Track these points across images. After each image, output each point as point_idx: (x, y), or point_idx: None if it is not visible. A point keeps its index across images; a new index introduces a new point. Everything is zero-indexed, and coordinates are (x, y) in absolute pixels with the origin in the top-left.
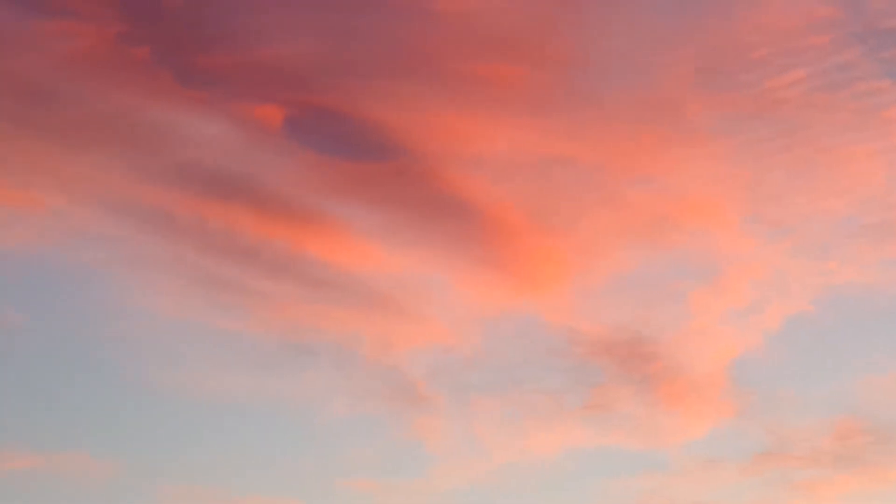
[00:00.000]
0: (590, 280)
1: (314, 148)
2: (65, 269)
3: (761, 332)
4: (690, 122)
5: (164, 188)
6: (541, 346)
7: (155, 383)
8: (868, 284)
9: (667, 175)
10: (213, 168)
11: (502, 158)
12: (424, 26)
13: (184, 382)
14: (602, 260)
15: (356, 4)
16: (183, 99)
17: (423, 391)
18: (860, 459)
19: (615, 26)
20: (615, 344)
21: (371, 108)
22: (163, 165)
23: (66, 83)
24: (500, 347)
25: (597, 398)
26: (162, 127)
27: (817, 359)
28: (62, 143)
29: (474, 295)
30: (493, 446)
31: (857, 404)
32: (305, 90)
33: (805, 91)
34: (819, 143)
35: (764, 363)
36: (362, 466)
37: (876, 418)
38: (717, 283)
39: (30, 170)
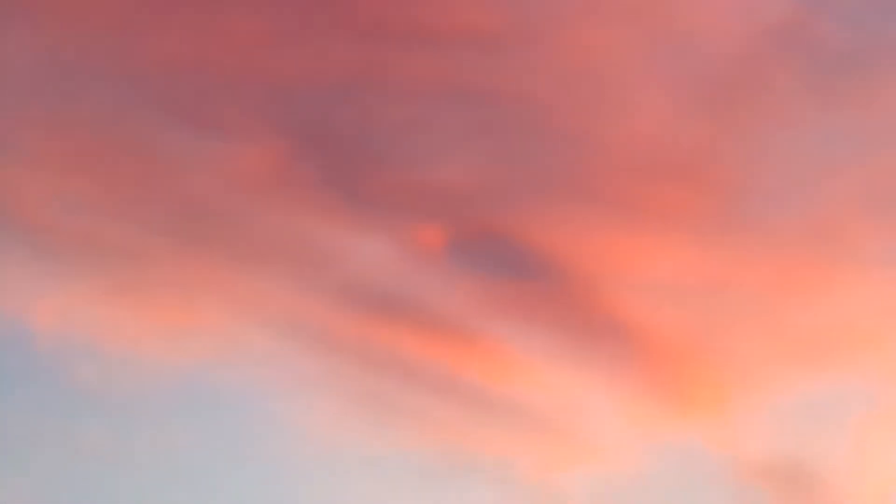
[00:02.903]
0: (751, 406)
1: (476, 268)
2: (229, 387)
3: None
4: (857, 249)
5: (328, 307)
6: (701, 472)
7: (312, 501)
8: None
9: (831, 302)
10: (376, 288)
11: (663, 282)
12: (589, 150)
13: (342, 501)
14: (764, 385)
15: (521, 128)
16: (348, 220)
17: None
18: None
19: (780, 150)
20: (777, 471)
21: (533, 229)
22: (327, 285)
23: (233, 203)
24: (660, 472)
25: None
26: (327, 247)
27: None
28: (229, 261)
29: (633, 418)
30: None
31: None
32: (469, 211)
33: None
34: None
35: None
36: None
37: None
38: (883, 411)
39: (195, 286)
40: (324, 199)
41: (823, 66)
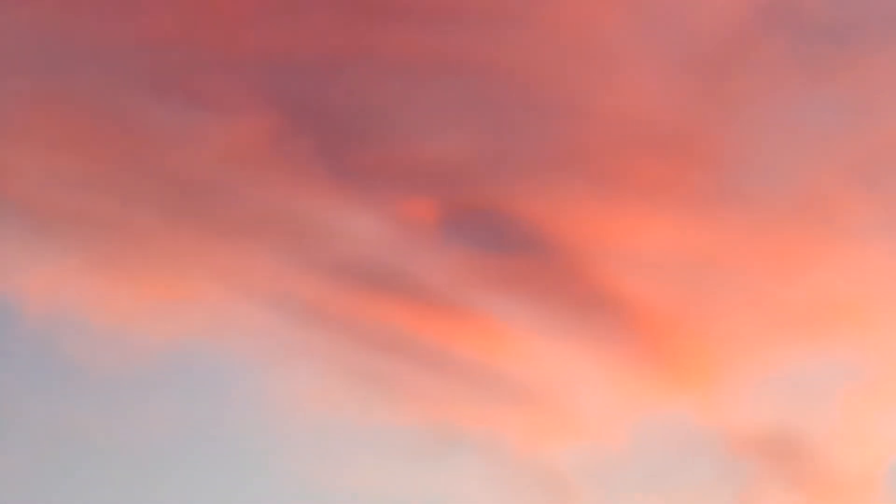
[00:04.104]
0: (740, 378)
1: (467, 243)
2: (219, 361)
3: None
4: (844, 222)
5: (319, 282)
6: (690, 443)
7: (307, 476)
8: None
9: (819, 274)
10: (367, 262)
11: (653, 256)
12: (579, 124)
13: (335, 476)
14: (753, 358)
15: (513, 103)
16: (339, 194)
17: (571, 487)
18: None
19: (769, 124)
20: (765, 443)
21: (524, 203)
22: (318, 260)
23: (223, 177)
24: (649, 444)
25: (747, 496)
26: (317, 222)
27: None
28: (218, 236)
29: (624, 391)
30: None
31: None
32: (460, 185)
33: None
34: None
35: None
36: None
37: None
38: (870, 384)
39: (185, 261)
40: (314, 174)
41: (811, 39)
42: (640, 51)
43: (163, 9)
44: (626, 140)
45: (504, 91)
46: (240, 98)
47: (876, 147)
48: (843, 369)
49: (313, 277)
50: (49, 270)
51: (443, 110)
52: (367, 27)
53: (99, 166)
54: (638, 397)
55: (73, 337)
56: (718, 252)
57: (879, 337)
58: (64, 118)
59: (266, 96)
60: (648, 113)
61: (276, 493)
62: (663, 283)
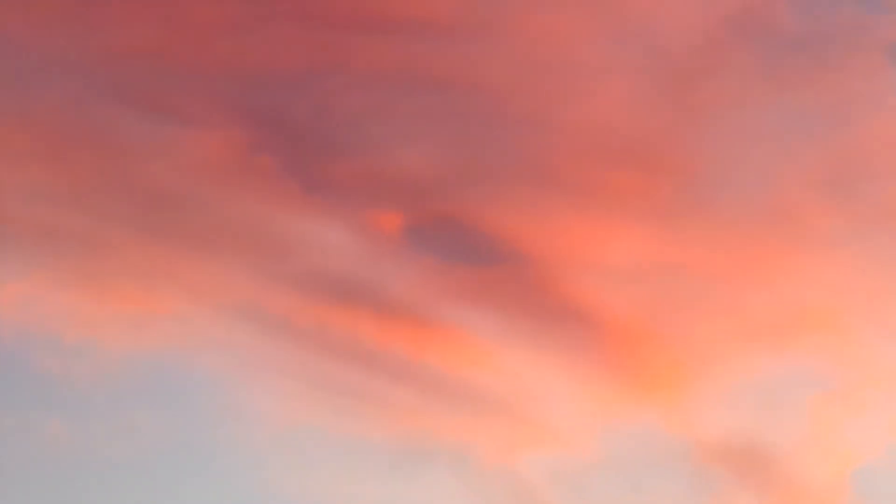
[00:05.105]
0: (708, 387)
1: (434, 254)
2: (188, 373)
3: (885, 442)
4: (811, 231)
5: (287, 294)
6: (659, 452)
7: (275, 487)
8: None
9: (787, 283)
10: (334, 274)
11: (621, 265)
12: (546, 135)
13: (304, 487)
14: (721, 367)
15: (479, 115)
16: (307, 207)
17: (540, 497)
18: None
19: (736, 135)
20: (733, 451)
21: (491, 215)
22: (286, 272)
23: (193, 190)
24: (618, 454)
25: None
26: (285, 234)
27: None
28: (188, 249)
29: (592, 401)
30: None
31: None
32: (427, 197)
33: None
34: None
35: (887, 473)
36: None
37: None
38: (838, 392)
39: (154, 274)
40: (282, 187)
41: (778, 50)
42: (607, 62)
43: (134, 23)
44: (593, 151)
45: (471, 103)
46: (209, 112)
47: (843, 156)
48: (811, 378)
49: (282, 289)
50: (21, 285)
51: (410, 123)
52: (335, 42)
53: (70, 180)
54: (607, 407)
55: (45, 350)
56: (687, 262)
57: (847, 346)
58: (34, 132)
59: (235, 110)
60: (616, 124)
61: (244, 502)
62: (632, 294)
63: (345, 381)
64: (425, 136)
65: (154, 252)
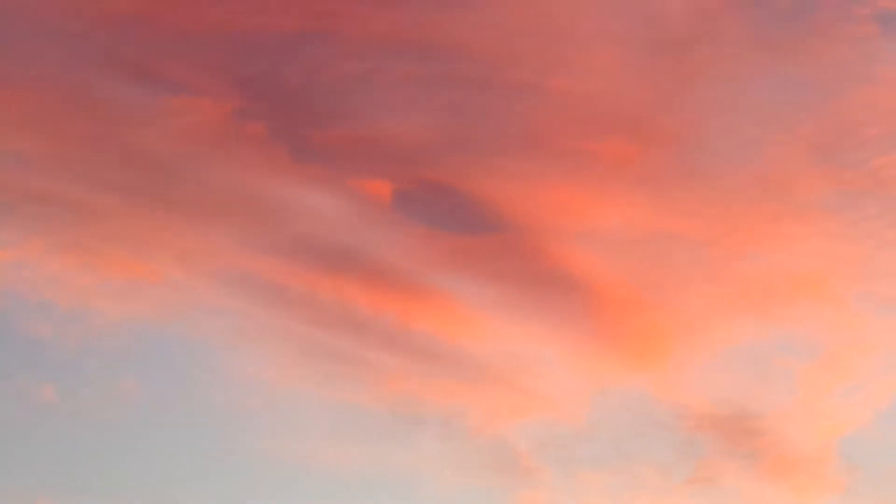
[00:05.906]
0: (697, 354)
1: (424, 222)
2: (179, 340)
3: (871, 409)
4: (800, 199)
5: (278, 261)
6: (647, 419)
7: (266, 452)
8: None
9: (776, 251)
10: (324, 241)
11: (611, 233)
12: (536, 103)
13: (294, 452)
14: (710, 335)
15: (468, 82)
16: (297, 174)
17: (529, 464)
18: None
19: (727, 104)
20: (721, 418)
21: (481, 182)
22: (276, 239)
23: (183, 157)
24: (606, 421)
25: (703, 472)
26: (276, 201)
27: None
28: (179, 215)
29: (581, 369)
30: None
31: None
32: (416, 165)
33: None
34: None
35: (873, 440)
36: None
37: None
38: (825, 359)
39: (146, 242)
40: (272, 154)
41: (769, 19)
42: (597, 30)
43: None
44: (584, 119)
45: (461, 71)
46: (200, 79)
47: (833, 125)
48: (799, 346)
49: (273, 256)
50: (11, 251)
51: (401, 90)
52: (325, 8)
53: (60, 148)
54: (596, 374)
55: (38, 316)
56: (676, 230)
57: (836, 314)
58: (25, 100)
59: (225, 76)
60: (606, 92)
61: (235, 467)
62: (621, 262)
63: (335, 347)
64: (415, 103)
65: (144, 219)
